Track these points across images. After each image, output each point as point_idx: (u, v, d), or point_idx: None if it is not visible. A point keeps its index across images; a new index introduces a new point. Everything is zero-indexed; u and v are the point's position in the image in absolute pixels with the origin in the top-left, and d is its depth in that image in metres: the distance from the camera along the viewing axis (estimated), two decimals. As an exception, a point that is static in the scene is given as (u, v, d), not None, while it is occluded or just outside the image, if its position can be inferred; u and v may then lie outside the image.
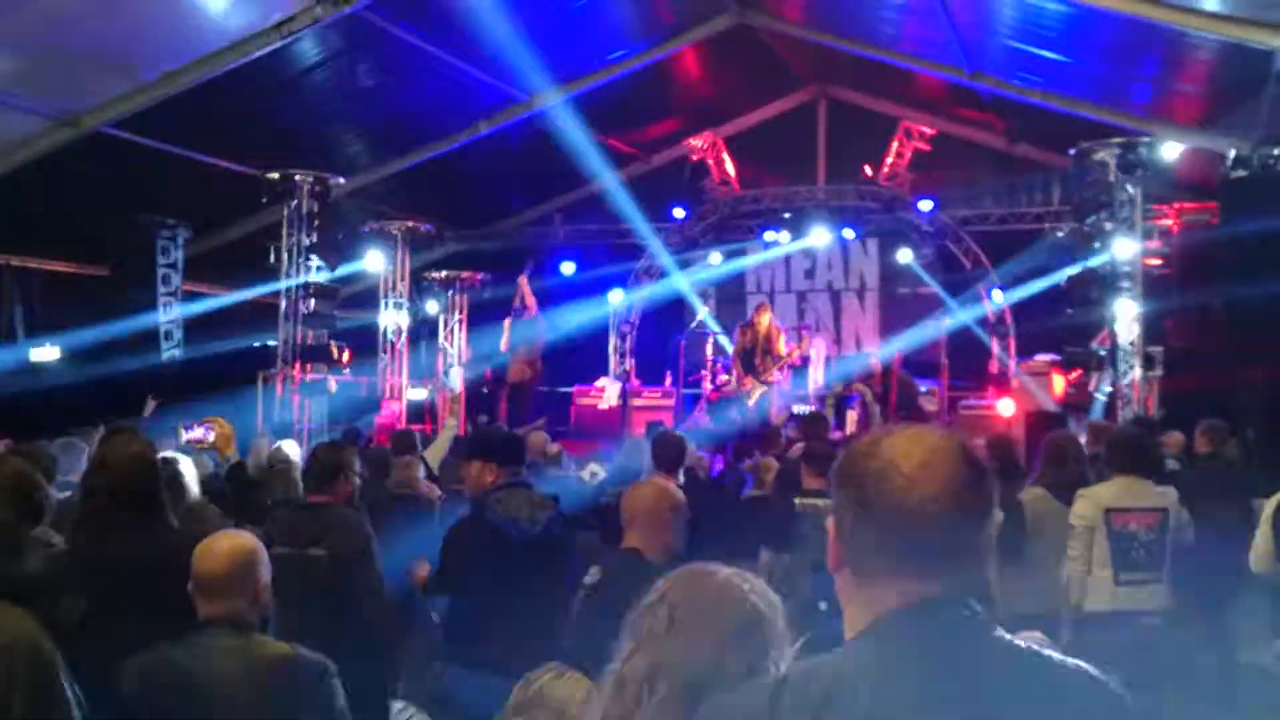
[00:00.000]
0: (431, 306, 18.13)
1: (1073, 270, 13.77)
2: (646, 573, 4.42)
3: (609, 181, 19.13)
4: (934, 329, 16.78)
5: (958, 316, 16.92)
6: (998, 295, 17.08)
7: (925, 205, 17.13)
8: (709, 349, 17.32)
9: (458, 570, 5.33)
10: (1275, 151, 11.85)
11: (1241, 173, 11.96)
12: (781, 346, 15.80)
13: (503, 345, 17.07)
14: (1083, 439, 8.48)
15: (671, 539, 4.46)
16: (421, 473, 7.63)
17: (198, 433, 6.13)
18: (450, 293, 18.40)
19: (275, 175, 14.17)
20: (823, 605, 6.46)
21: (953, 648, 1.72)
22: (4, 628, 3.20)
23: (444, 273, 18.31)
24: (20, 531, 4.08)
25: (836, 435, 12.91)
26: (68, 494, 6.19)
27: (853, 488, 1.82)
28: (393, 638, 5.56)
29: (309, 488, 5.73)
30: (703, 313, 18.07)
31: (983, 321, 17.25)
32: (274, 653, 3.48)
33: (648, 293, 19.24)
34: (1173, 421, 10.44)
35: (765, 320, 15.77)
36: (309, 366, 14.69)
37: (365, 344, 16.78)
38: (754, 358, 15.53)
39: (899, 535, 1.76)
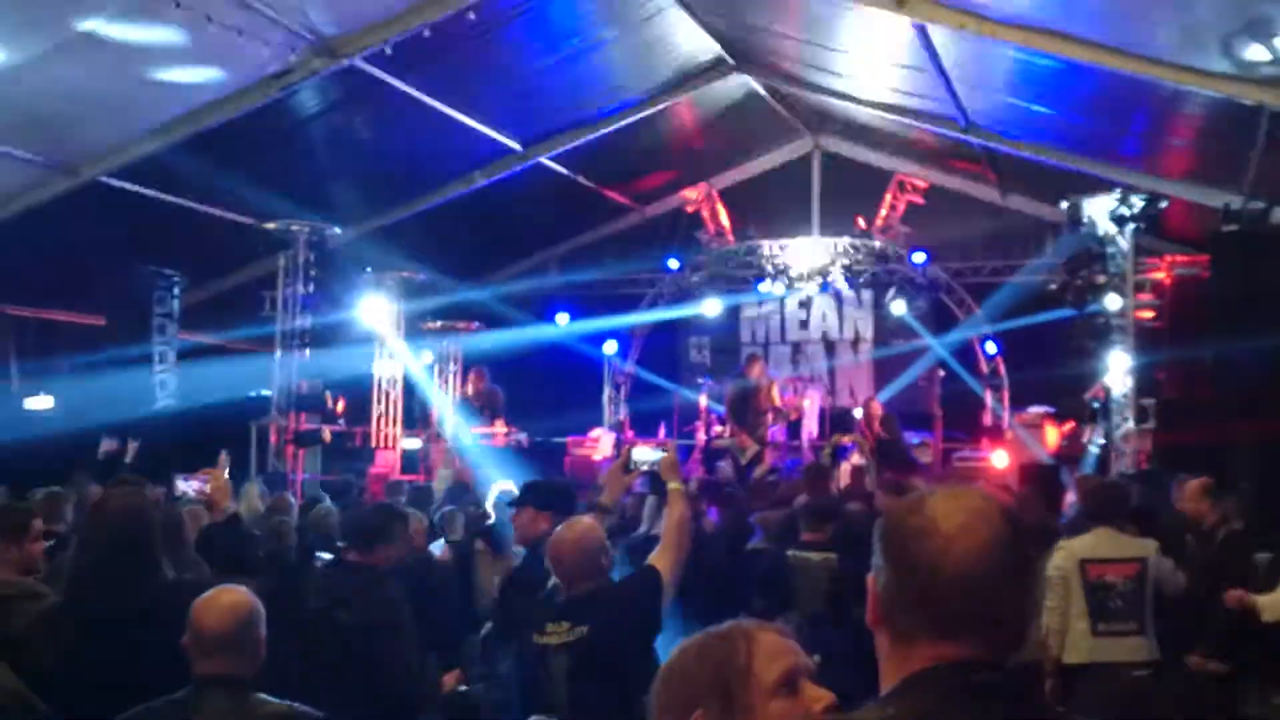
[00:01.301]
0: (426, 356, 18.13)
1: (1066, 322, 13.84)
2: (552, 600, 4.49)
3: (604, 232, 19.28)
4: (927, 380, 16.86)
5: (949, 364, 17.00)
6: (990, 347, 17.15)
7: (919, 257, 17.22)
8: (703, 400, 17.34)
9: (515, 620, 5.28)
10: (1264, 205, 11.94)
11: (1232, 226, 12.03)
12: (775, 397, 15.79)
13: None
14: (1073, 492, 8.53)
15: (597, 576, 4.52)
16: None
17: (194, 484, 6.09)
18: (445, 342, 18.40)
19: (272, 225, 14.25)
20: (816, 658, 6.47)
21: (979, 710, 1.71)
22: None
23: (439, 322, 18.33)
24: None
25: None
26: (50, 543, 6.19)
27: (893, 546, 1.83)
28: (414, 709, 5.50)
29: (349, 547, 5.69)
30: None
31: (976, 373, 17.29)
32: (271, 712, 3.41)
33: (643, 342, 19.33)
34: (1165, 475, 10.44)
35: (756, 372, 15.79)
36: (303, 416, 14.69)
37: (360, 394, 16.77)
38: (746, 413, 15.51)
39: (936, 595, 1.76)
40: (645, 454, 5.33)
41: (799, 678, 1.96)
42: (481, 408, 16.37)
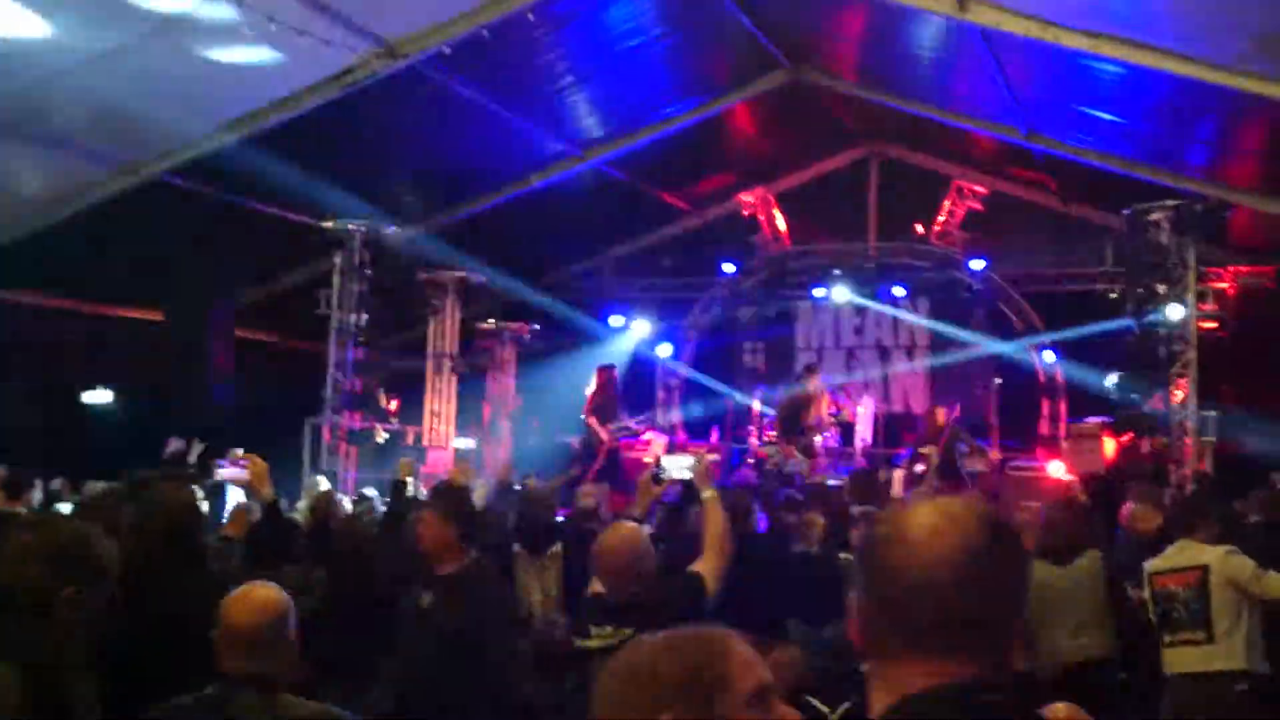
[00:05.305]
0: (480, 357, 18.16)
1: (1126, 331, 13.63)
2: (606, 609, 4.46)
3: (660, 235, 19.24)
4: (984, 388, 16.69)
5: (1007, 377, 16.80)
6: (1049, 356, 16.93)
7: (977, 265, 17.03)
8: (756, 405, 17.25)
9: None
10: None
11: (1300, 237, 11.84)
12: (825, 411, 15.63)
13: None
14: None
15: (642, 580, 4.51)
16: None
17: (233, 471, 6.09)
18: (499, 343, 18.44)
19: (329, 224, 14.35)
20: (864, 668, 6.41)
21: None
22: None
23: (493, 323, 18.38)
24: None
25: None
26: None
27: (863, 557, 1.74)
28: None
29: None
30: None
31: (1034, 382, 17.08)
32: (303, 714, 3.27)
33: (696, 346, 19.27)
34: (1224, 487, 10.29)
35: (812, 383, 15.63)
36: (356, 414, 14.77)
37: (413, 393, 16.83)
38: (795, 424, 15.36)
39: (905, 608, 1.65)
40: (676, 464, 5.34)
41: (770, 693, 1.88)
42: (602, 405, 16.17)
